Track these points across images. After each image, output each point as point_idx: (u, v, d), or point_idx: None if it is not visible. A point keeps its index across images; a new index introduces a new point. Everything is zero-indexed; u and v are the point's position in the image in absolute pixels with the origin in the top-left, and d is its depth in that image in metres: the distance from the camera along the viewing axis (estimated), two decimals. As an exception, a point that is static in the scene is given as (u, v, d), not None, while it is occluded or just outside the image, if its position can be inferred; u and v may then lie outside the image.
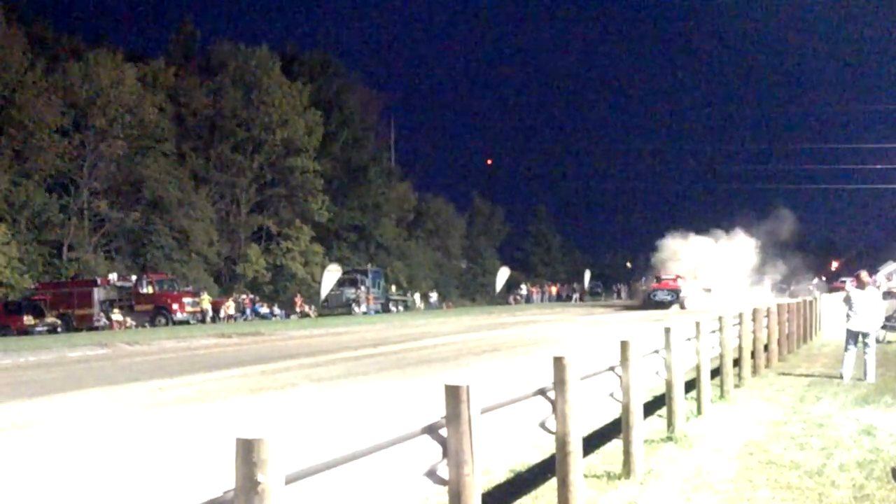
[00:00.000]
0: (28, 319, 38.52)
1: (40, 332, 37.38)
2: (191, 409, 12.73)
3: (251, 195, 62.28)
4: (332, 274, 58.34)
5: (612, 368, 7.87)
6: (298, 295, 57.92)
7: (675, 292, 53.20)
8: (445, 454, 4.77)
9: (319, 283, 58.55)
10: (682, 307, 50.95)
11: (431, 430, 4.78)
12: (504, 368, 16.85)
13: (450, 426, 4.76)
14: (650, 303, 53.05)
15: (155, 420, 11.86)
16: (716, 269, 57.56)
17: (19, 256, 45.11)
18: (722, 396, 12.56)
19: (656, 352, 9.45)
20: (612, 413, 9.09)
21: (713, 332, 12.60)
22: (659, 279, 57.06)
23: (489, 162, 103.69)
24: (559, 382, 6.21)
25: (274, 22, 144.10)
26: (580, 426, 6.35)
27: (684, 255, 59.89)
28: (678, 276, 55.77)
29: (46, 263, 48.30)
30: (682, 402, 9.76)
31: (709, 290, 54.36)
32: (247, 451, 3.31)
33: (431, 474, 4.76)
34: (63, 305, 42.08)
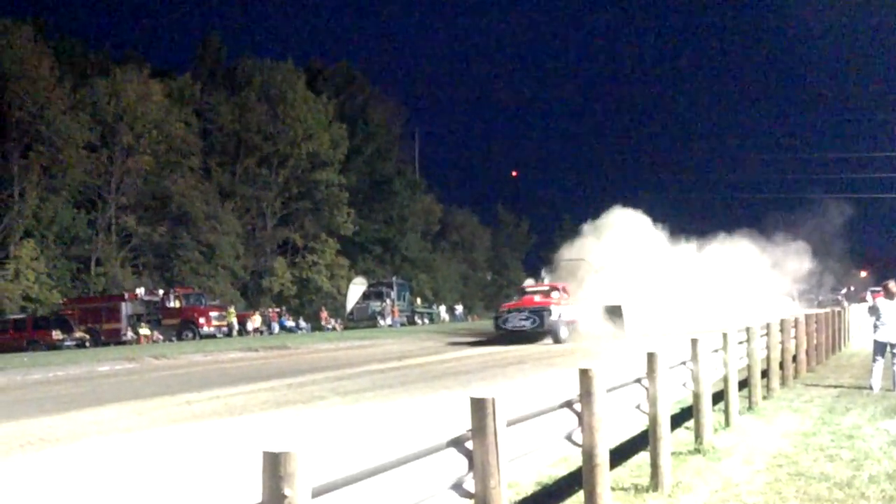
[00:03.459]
0: (57, 334, 38.81)
1: (69, 347, 37.65)
2: (218, 423, 12.79)
3: (277, 209, 62.57)
4: (357, 287, 58.49)
5: (638, 380, 7.83)
6: (324, 308, 58.09)
7: (540, 315, 32.21)
8: (472, 467, 4.76)
9: (345, 296, 58.72)
10: (556, 340, 31.67)
11: (457, 442, 4.78)
12: (529, 381, 16.80)
13: (476, 439, 4.75)
14: (501, 332, 33.44)
15: (183, 434, 11.91)
16: (659, 277, 36.80)
17: (48, 272, 45.56)
18: (750, 408, 12.46)
19: (683, 363, 9.40)
20: (639, 425, 9.04)
21: (741, 343, 12.52)
22: (523, 292, 36.35)
23: (514, 174, 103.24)
24: (585, 394, 6.19)
25: (299, 37, 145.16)
26: (607, 438, 6.32)
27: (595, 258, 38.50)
28: (554, 288, 34.97)
29: (74, 278, 48.74)
30: (709, 414, 9.69)
31: (614, 310, 33.79)
32: (274, 465, 3.31)
33: (458, 487, 4.75)
34: (91, 320, 42.39)
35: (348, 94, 71.25)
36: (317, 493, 3.53)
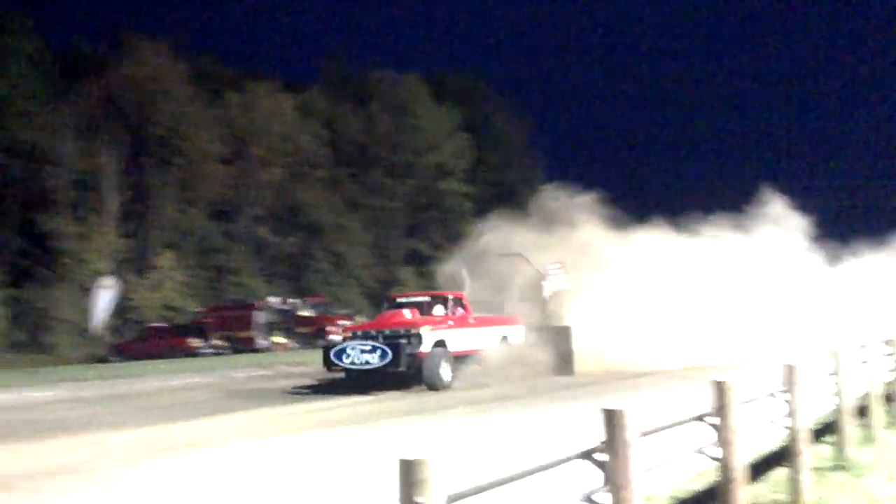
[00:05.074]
0: (194, 341, 39.98)
1: (205, 354, 38.75)
2: (349, 431, 13.00)
3: (404, 219, 63.25)
4: (484, 295, 58.54)
5: (773, 394, 7.61)
6: (451, 317, 58.31)
7: (394, 346, 19.26)
8: (605, 480, 4.71)
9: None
10: (431, 384, 19.46)
11: (589, 454, 4.74)
12: (661, 393, 16.46)
13: (608, 451, 4.70)
14: (334, 370, 20.26)
15: (315, 441, 12.16)
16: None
17: (186, 281, 47.22)
18: (894, 423, 11.95)
19: (824, 376, 9.09)
20: (777, 439, 8.78)
21: (889, 354, 12.03)
22: (392, 303, 23.27)
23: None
24: (721, 407, 6.06)
25: (424, 48, 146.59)
26: (743, 452, 6.17)
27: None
28: (438, 299, 22.30)
29: (210, 287, 50.31)
30: (852, 429, 9.35)
31: (557, 335, 22.97)
32: (408, 472, 3.41)
33: (588, 500, 4.71)
34: (226, 328, 43.49)
35: (473, 104, 71.55)
36: (450, 501, 3.57)
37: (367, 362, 19.21)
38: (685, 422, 6.01)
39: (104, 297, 43.30)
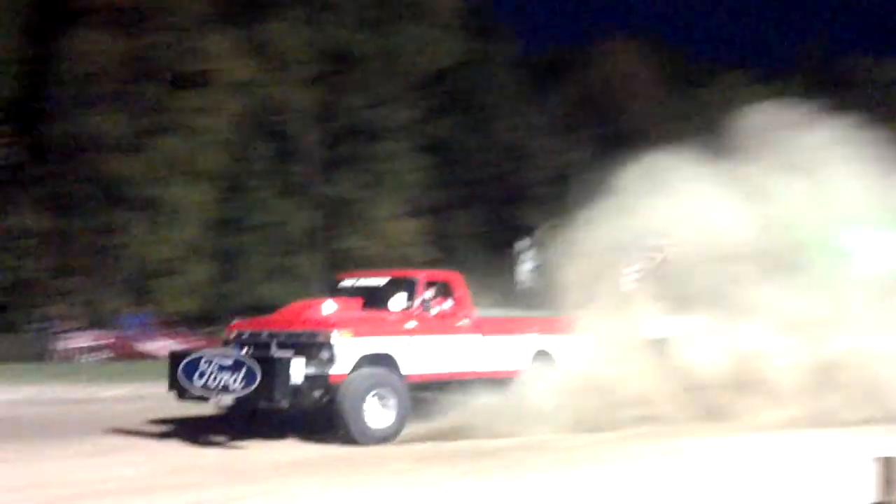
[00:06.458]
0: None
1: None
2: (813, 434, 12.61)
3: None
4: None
5: None
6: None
7: (271, 365, 10.66)
8: None
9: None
10: (347, 431, 11.03)
11: None
12: None
13: None
14: (183, 398, 11.54)
15: (772, 441, 11.99)
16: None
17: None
18: None
19: None
20: None
21: None
22: (332, 288, 13.65)
23: None
24: None
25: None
26: None
27: None
28: (402, 281, 12.74)
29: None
30: None
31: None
32: (889, 469, 3.56)
33: None
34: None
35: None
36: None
37: (226, 387, 11.07)
38: None
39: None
